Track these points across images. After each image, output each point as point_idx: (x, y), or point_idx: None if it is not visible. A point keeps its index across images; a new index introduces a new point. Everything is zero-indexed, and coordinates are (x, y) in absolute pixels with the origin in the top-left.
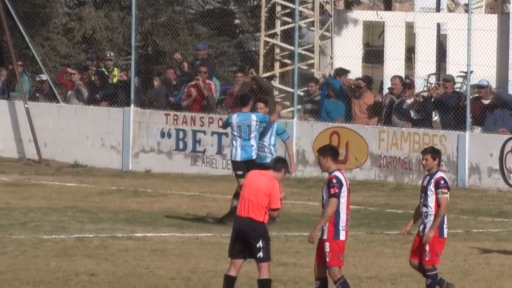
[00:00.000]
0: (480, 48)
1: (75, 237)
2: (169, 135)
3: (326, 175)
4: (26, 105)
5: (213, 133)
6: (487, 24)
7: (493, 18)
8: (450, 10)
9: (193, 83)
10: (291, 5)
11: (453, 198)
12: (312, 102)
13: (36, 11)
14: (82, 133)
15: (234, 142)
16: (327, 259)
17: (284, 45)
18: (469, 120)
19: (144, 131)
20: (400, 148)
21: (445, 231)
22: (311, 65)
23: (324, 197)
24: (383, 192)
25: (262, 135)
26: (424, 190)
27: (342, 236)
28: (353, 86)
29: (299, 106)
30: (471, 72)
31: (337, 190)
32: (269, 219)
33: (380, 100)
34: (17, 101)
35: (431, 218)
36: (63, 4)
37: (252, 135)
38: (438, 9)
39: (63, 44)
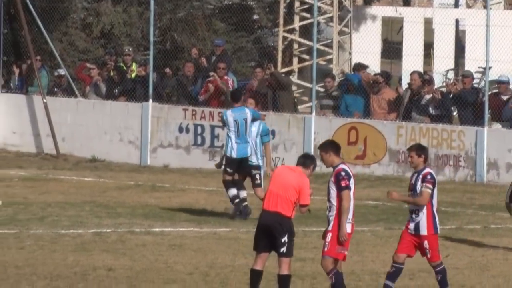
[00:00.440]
0: (499, 44)
1: (93, 231)
2: (187, 130)
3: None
4: (44, 100)
5: None
6: (506, 20)
7: None
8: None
9: (211, 78)
10: (309, 0)
11: (471, 193)
12: (329, 98)
13: (54, 6)
14: (100, 128)
15: (230, 138)
16: (325, 249)
17: (302, 40)
18: (487, 115)
19: (162, 126)
20: None
21: (438, 227)
22: (330, 61)
23: (331, 191)
24: (401, 187)
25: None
26: (412, 187)
27: (348, 229)
28: (371, 82)
29: (316, 101)
30: (490, 68)
31: (347, 182)
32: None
33: (400, 94)
34: (35, 96)
35: (423, 216)
36: None
37: (248, 130)
38: (456, 5)
39: (81, 39)
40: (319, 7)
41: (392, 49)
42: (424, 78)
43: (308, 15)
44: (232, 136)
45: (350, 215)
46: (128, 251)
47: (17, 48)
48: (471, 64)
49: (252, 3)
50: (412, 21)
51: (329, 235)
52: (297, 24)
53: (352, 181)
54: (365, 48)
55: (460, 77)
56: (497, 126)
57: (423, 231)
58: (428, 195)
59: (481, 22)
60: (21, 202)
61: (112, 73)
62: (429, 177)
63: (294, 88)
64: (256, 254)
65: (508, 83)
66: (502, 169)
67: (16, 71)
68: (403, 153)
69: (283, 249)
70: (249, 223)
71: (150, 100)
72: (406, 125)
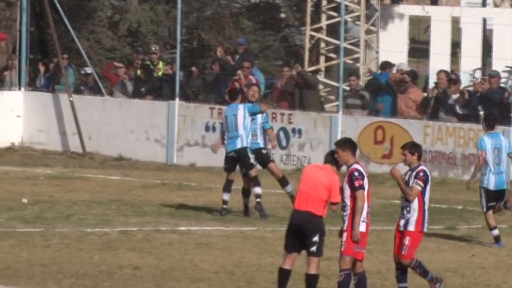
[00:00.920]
0: None
1: (119, 230)
2: (214, 129)
3: (373, 169)
4: (70, 98)
5: None
6: None
7: None
8: (496, 5)
9: (236, 77)
10: None
11: None
12: (355, 97)
13: (81, 4)
14: (127, 126)
15: (225, 135)
16: (342, 248)
17: (329, 39)
18: None
19: (189, 125)
20: (445, 143)
21: (426, 225)
22: (357, 60)
23: (345, 191)
24: None
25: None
26: (406, 185)
27: (363, 228)
28: (398, 80)
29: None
30: None
31: (361, 182)
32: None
33: (426, 94)
34: (61, 94)
35: (414, 213)
36: None
37: (240, 125)
38: (484, 4)
39: (108, 37)
40: (346, 6)
41: (419, 48)
42: (451, 78)
43: (335, 14)
44: (225, 133)
45: (364, 214)
46: (154, 250)
47: (44, 46)
48: (498, 63)
49: (279, 1)
50: (440, 20)
51: (345, 235)
52: (324, 22)
53: (366, 180)
54: (392, 47)
55: (487, 77)
56: None
57: (411, 227)
58: (417, 191)
59: (508, 21)
60: (47, 200)
61: (138, 72)
62: (421, 174)
63: (320, 87)
64: (285, 253)
65: None
66: None
67: (42, 69)
68: (429, 152)
69: (314, 248)
70: (275, 222)
71: (177, 99)
72: (433, 124)
